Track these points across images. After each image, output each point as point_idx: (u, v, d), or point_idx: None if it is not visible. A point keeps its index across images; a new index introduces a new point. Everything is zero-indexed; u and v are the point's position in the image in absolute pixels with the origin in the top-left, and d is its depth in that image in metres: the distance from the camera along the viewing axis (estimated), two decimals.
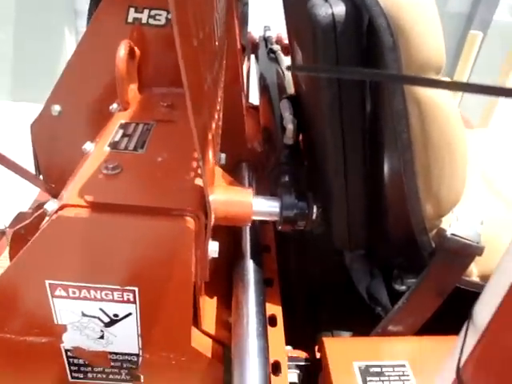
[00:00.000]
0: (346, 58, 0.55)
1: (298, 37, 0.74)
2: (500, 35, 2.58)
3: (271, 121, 1.00)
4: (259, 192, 0.64)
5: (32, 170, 0.88)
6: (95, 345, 0.57)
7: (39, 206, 0.72)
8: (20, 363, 0.59)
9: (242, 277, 0.67)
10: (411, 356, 0.58)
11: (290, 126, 0.81)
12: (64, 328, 0.55)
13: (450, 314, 0.53)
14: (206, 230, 0.52)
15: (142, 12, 0.73)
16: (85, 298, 0.52)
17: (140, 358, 0.58)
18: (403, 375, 0.55)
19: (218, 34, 0.63)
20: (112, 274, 0.51)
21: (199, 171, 0.55)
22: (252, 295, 0.64)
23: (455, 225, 0.56)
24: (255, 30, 1.44)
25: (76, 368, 0.59)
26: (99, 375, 0.60)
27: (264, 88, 1.15)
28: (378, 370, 0.56)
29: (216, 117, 0.64)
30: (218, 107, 0.69)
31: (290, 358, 0.61)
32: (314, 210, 0.63)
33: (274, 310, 0.66)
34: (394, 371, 0.56)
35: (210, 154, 0.55)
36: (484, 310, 0.35)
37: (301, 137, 0.86)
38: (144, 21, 0.73)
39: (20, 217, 0.83)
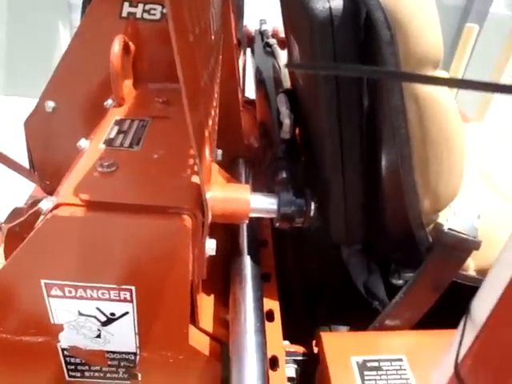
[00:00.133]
0: (344, 52, 0.54)
1: (295, 30, 0.73)
2: (496, 28, 2.58)
3: (268, 115, 0.99)
4: (256, 188, 0.64)
5: (26, 165, 0.87)
6: (92, 344, 0.56)
7: (34, 202, 0.71)
8: (16, 363, 0.59)
9: (239, 272, 0.67)
10: (408, 350, 0.58)
11: (286, 121, 0.80)
12: (60, 327, 0.54)
13: (447, 308, 0.54)
14: (203, 228, 0.51)
15: (136, 6, 0.72)
16: (81, 298, 0.52)
17: (137, 357, 0.58)
18: (400, 369, 0.55)
19: (214, 28, 0.62)
20: (108, 273, 0.51)
21: (196, 168, 0.54)
22: (249, 290, 0.63)
23: (452, 219, 0.56)
24: (251, 24, 1.42)
25: (73, 367, 0.59)
26: (96, 374, 0.60)
27: (260, 82, 1.14)
28: (376, 364, 0.56)
29: (212, 113, 0.64)
30: (215, 103, 0.68)
31: (288, 353, 0.61)
32: (312, 206, 0.63)
33: (272, 305, 0.66)
34: (391, 365, 0.56)
35: (207, 150, 0.54)
36: (482, 306, 0.35)
37: (298, 131, 0.86)
38: (138, 15, 0.72)
39: (16, 212, 0.82)
